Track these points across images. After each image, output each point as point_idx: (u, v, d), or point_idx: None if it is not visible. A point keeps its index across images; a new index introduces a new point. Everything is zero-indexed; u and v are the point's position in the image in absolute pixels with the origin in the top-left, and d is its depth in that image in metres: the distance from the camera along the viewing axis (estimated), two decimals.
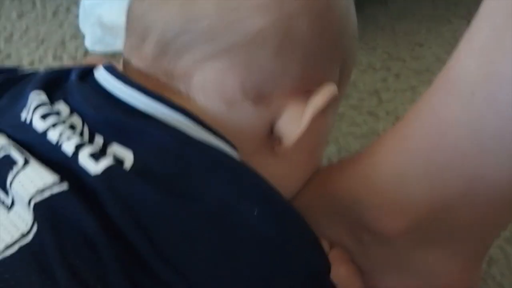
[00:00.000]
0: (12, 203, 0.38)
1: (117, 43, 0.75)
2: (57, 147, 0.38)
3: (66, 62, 0.79)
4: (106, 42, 0.78)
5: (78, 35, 0.82)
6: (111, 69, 0.43)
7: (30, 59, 0.79)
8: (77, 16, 0.81)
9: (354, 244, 0.50)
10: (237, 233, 0.37)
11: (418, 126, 0.44)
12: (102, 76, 0.43)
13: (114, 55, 0.76)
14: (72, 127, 0.40)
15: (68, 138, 0.38)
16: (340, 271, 0.48)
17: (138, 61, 0.45)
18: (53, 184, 0.37)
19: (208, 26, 0.42)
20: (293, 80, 0.44)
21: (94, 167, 0.37)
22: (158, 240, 0.35)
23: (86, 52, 0.80)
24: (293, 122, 0.44)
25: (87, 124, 0.40)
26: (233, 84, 0.42)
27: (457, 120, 0.41)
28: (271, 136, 0.45)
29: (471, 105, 0.39)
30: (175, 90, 0.43)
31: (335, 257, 0.50)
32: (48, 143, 0.39)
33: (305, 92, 0.44)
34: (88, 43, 0.78)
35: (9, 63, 0.78)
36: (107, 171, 0.37)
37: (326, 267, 0.41)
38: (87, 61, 0.70)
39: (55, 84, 0.44)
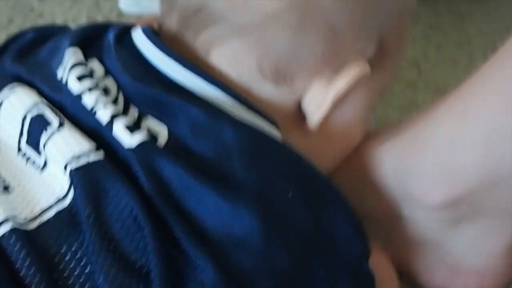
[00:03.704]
0: (45, 164, 0.37)
1: (153, 6, 0.74)
2: (91, 113, 0.38)
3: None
4: (141, 4, 0.77)
5: None
6: (150, 35, 0.42)
7: (63, 19, 0.78)
8: None
9: (393, 217, 0.49)
10: (277, 219, 0.36)
11: (481, 94, 0.43)
12: (141, 41, 0.42)
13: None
14: (106, 91, 0.39)
15: (104, 106, 0.38)
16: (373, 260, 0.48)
17: (168, 29, 0.44)
18: (90, 151, 0.36)
19: (224, 5, 0.41)
20: (316, 58, 0.41)
21: (128, 140, 0.36)
22: (190, 220, 0.35)
23: (120, 14, 0.78)
24: (315, 104, 0.42)
25: (122, 92, 0.39)
26: (249, 64, 0.41)
27: None
28: (300, 113, 0.43)
29: None
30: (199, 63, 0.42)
31: None
32: (83, 107, 0.38)
33: (334, 70, 0.42)
34: (124, 5, 0.77)
35: (42, 22, 0.77)
36: (141, 146, 0.36)
37: (367, 252, 0.40)
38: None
39: (91, 40, 0.43)
